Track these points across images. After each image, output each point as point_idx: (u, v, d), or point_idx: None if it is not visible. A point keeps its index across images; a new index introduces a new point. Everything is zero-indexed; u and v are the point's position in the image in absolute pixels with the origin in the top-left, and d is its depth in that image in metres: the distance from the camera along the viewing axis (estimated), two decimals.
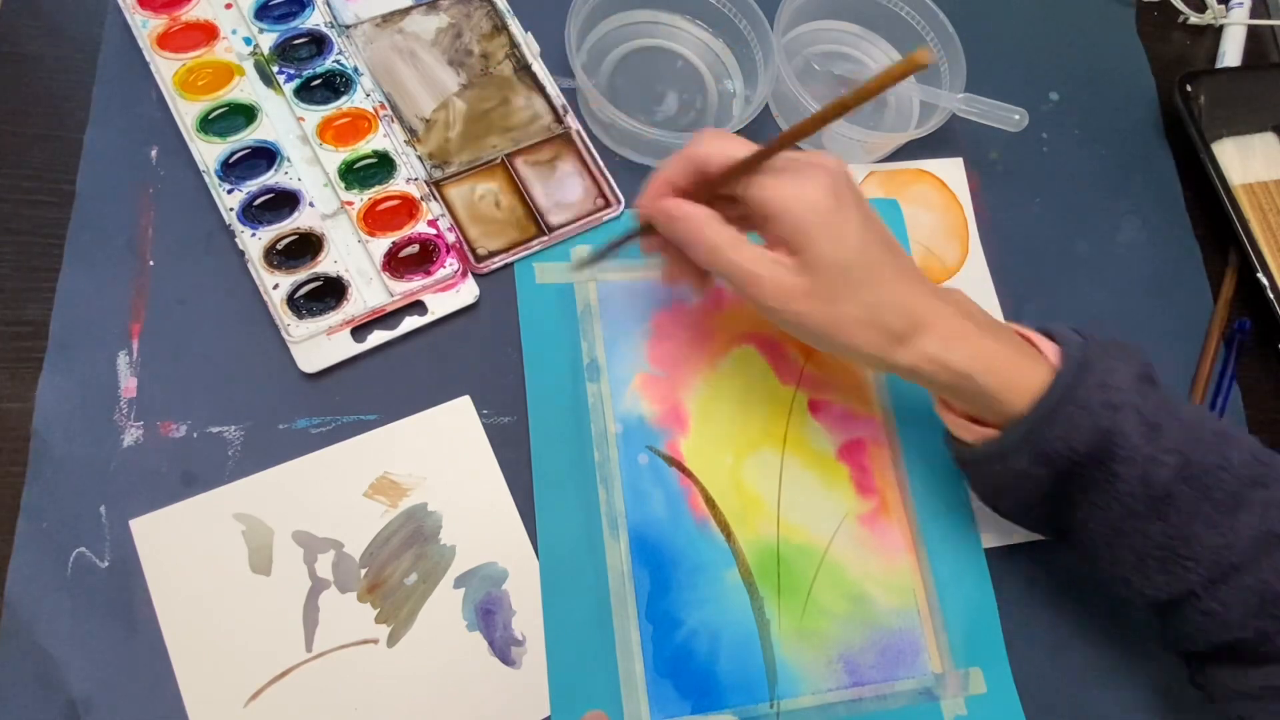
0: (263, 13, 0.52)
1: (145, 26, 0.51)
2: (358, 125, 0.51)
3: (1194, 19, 0.69)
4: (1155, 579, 0.40)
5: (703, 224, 0.39)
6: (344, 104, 0.51)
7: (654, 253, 0.44)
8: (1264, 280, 0.57)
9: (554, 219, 0.52)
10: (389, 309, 0.48)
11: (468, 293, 0.49)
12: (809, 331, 0.39)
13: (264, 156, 0.50)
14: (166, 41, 0.51)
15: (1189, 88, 0.62)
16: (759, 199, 0.39)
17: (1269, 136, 0.65)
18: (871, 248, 0.38)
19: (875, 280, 0.38)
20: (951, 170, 0.60)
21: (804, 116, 0.55)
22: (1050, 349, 0.41)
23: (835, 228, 0.38)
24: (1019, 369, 0.39)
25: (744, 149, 0.39)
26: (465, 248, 0.50)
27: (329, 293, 0.48)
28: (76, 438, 0.44)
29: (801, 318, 0.39)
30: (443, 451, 0.47)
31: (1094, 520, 0.41)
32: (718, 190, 0.40)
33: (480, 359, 0.49)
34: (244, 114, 0.50)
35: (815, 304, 0.38)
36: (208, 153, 0.49)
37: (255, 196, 0.49)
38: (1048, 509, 0.43)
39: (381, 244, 0.49)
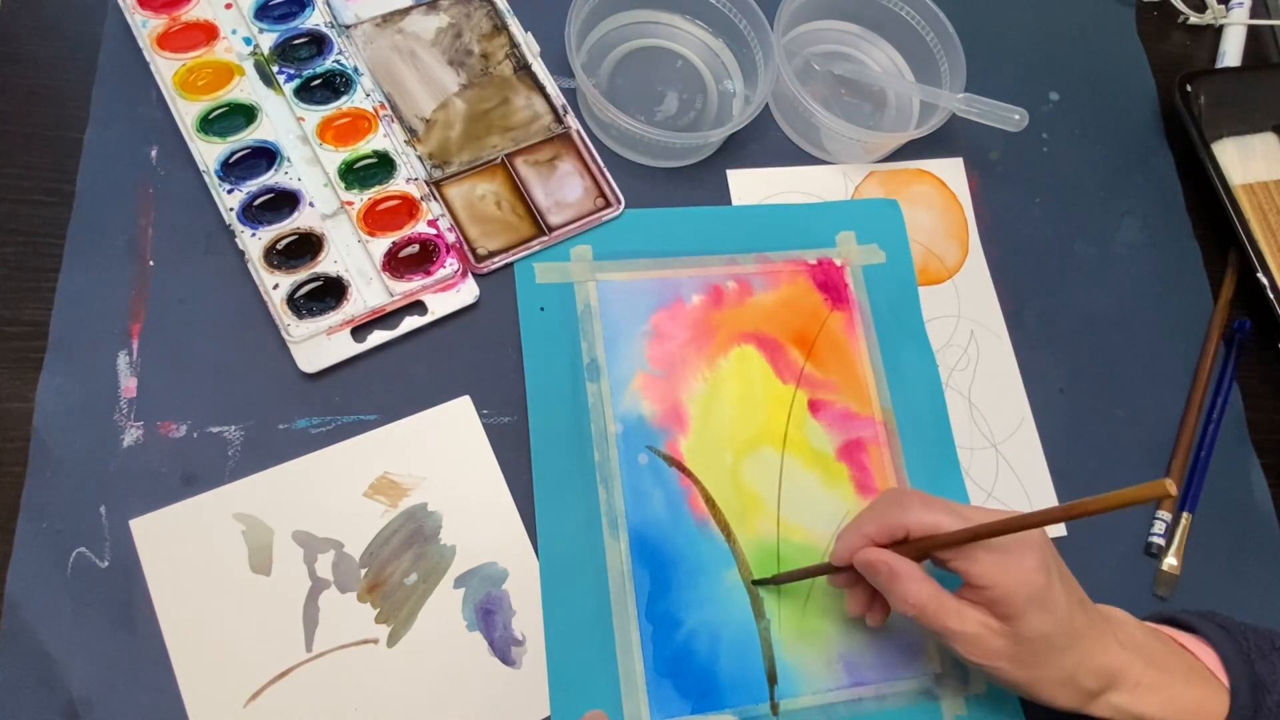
0: (263, 13, 0.52)
1: (145, 26, 0.51)
2: (358, 125, 0.51)
3: (1194, 19, 0.69)
4: None
5: (909, 580, 0.40)
6: (344, 104, 0.51)
7: (843, 588, 0.45)
8: (1264, 280, 0.57)
9: (554, 219, 0.52)
10: (389, 309, 0.48)
11: (468, 293, 0.49)
12: (1005, 684, 0.41)
13: (264, 156, 0.50)
14: (166, 41, 0.51)
15: (1189, 88, 0.62)
16: (968, 572, 0.39)
17: (1269, 136, 0.65)
18: (1075, 616, 0.39)
19: (1075, 647, 0.40)
20: (951, 170, 0.60)
21: (802, 115, 0.55)
22: (1213, 660, 0.42)
23: (1045, 603, 0.39)
24: (1201, 707, 0.40)
25: (948, 518, 0.40)
26: (465, 248, 0.50)
27: (329, 293, 0.48)
28: (76, 438, 0.44)
29: (1002, 673, 0.40)
30: (443, 451, 0.47)
31: None
32: (915, 553, 0.41)
33: (480, 359, 0.49)
34: (244, 114, 0.50)
35: (1018, 666, 0.40)
36: (208, 153, 0.49)
37: (255, 196, 0.49)
38: None
39: (381, 244, 0.49)
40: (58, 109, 0.49)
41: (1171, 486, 0.31)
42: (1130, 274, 0.60)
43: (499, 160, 0.53)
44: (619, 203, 0.53)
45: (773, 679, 0.46)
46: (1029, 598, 0.38)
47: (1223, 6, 0.69)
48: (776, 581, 0.46)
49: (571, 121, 0.54)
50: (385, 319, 0.48)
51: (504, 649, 0.44)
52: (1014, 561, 0.38)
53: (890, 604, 0.41)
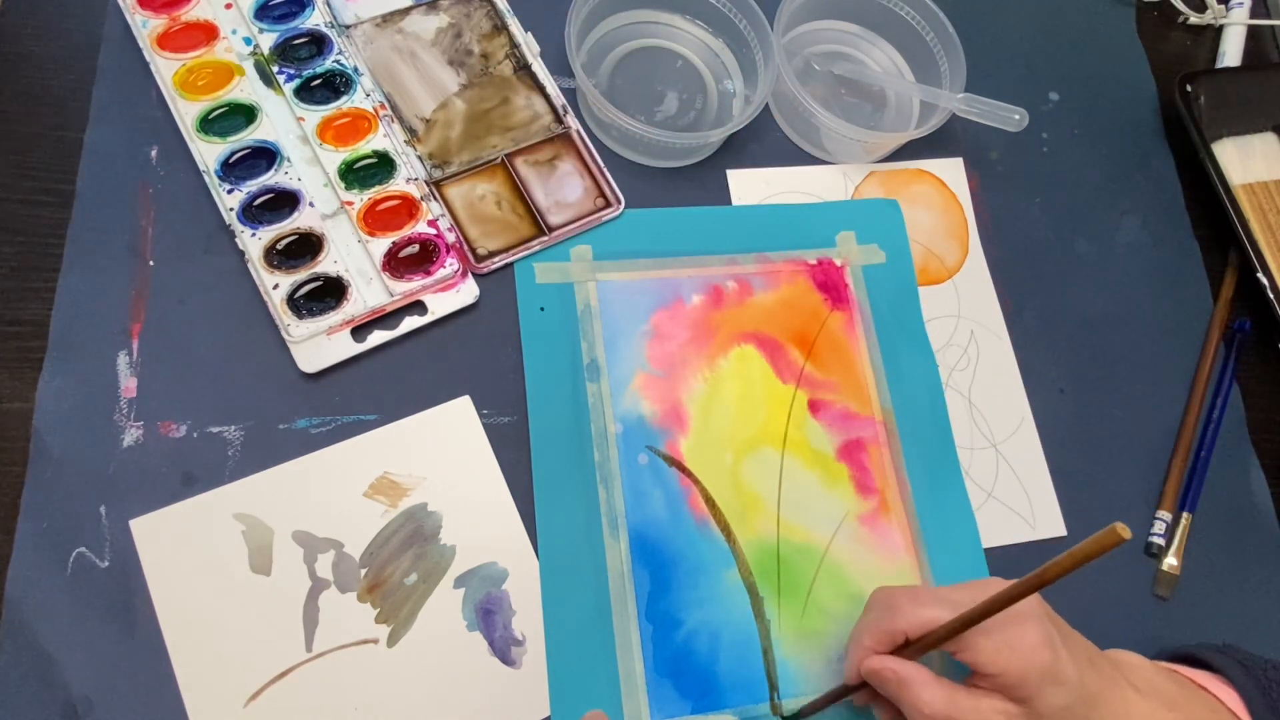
0: (263, 13, 0.52)
1: (145, 26, 0.51)
2: (358, 125, 0.51)
3: (1194, 19, 0.69)
4: None
5: (920, 688, 0.39)
6: (344, 104, 0.51)
7: (865, 704, 0.44)
8: (1264, 280, 0.57)
9: (554, 219, 0.52)
10: (389, 309, 0.48)
11: (468, 293, 0.49)
12: None
13: (264, 156, 0.50)
14: (166, 41, 0.51)
15: (1189, 88, 0.62)
16: (975, 662, 0.39)
17: (1269, 136, 0.65)
18: (1087, 679, 0.39)
19: (1094, 710, 0.39)
20: (951, 170, 0.60)
21: (802, 115, 0.55)
22: (1232, 699, 0.41)
23: (1056, 677, 0.38)
24: None
25: (940, 611, 0.39)
26: (465, 248, 0.50)
27: (329, 293, 0.48)
28: (76, 438, 0.44)
29: None
30: (443, 451, 0.47)
31: None
32: (920, 651, 0.40)
33: (480, 359, 0.49)
34: (244, 114, 0.50)
35: None
36: (208, 153, 0.49)
37: (255, 196, 0.49)
38: None
39: (381, 244, 0.49)
40: (58, 109, 0.49)
41: (1124, 531, 0.31)
42: (1130, 274, 0.60)
43: (499, 160, 0.53)
44: (619, 203, 0.53)
45: (773, 679, 0.46)
46: (1040, 676, 0.38)
47: (1223, 6, 0.69)
48: (803, 715, 0.45)
49: (571, 121, 0.54)
50: (385, 319, 0.48)
51: (504, 649, 0.44)
52: (1016, 642, 0.38)
53: (907, 715, 0.40)
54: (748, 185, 0.56)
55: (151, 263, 0.47)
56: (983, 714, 0.39)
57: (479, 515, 0.46)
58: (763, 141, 0.58)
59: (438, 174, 0.52)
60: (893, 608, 0.41)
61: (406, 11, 0.55)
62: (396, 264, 0.49)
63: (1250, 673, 0.42)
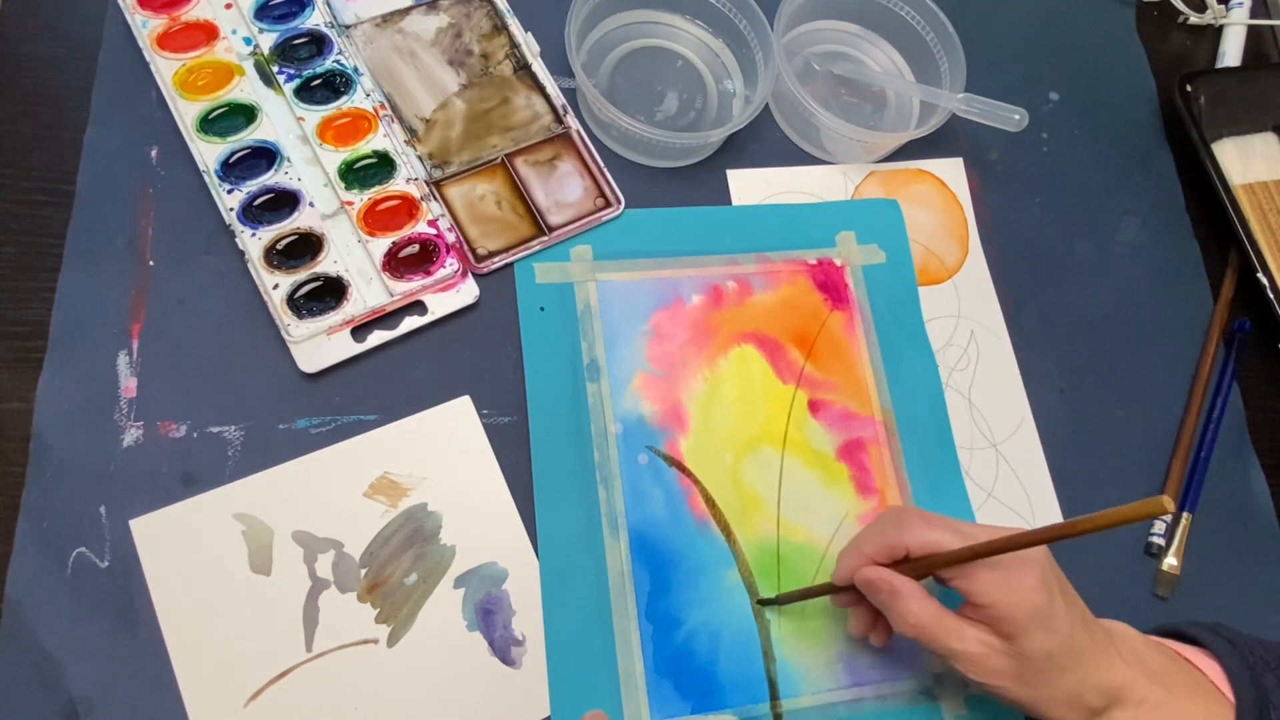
0: (263, 13, 0.52)
1: (145, 26, 0.51)
2: (358, 125, 0.51)
3: (1194, 19, 0.69)
4: None
5: (910, 600, 0.40)
6: (344, 104, 0.51)
7: (846, 607, 0.45)
8: (1264, 280, 0.57)
9: (554, 219, 0.52)
10: (389, 309, 0.48)
11: (468, 293, 0.49)
12: (1009, 703, 0.40)
13: (264, 156, 0.50)
14: (166, 41, 0.51)
15: (1189, 88, 0.62)
16: (969, 590, 0.39)
17: (1269, 136, 0.65)
18: (1077, 633, 0.39)
19: (1078, 665, 0.39)
20: (951, 170, 0.60)
21: (802, 115, 0.55)
22: (1217, 674, 0.41)
23: (1047, 621, 0.38)
24: (1206, 712, 0.40)
25: (948, 536, 0.39)
26: (465, 248, 0.50)
27: (329, 293, 0.48)
28: (76, 438, 0.44)
29: (1005, 692, 0.39)
30: (443, 451, 0.47)
31: None
32: (917, 572, 0.41)
33: (480, 359, 0.49)
34: (244, 114, 0.50)
35: (1021, 685, 0.39)
36: (208, 153, 0.49)
37: (255, 196, 0.49)
38: None
39: (381, 244, 0.49)
40: (58, 109, 0.49)
41: (1169, 504, 0.31)
42: (1130, 274, 0.60)
43: (499, 160, 0.53)
44: (619, 203, 0.53)
45: (773, 679, 0.46)
46: (1030, 616, 0.38)
47: (1223, 6, 0.69)
48: (780, 602, 0.46)
49: (571, 121, 0.54)
50: (385, 319, 0.48)
51: (504, 649, 0.44)
52: (1015, 580, 0.38)
53: (891, 624, 0.41)
54: (748, 185, 0.56)
55: (151, 263, 0.47)
56: (966, 638, 0.39)
57: (479, 515, 0.46)
58: (763, 141, 0.58)
59: (438, 174, 0.52)
60: (902, 523, 0.41)
61: (406, 11, 0.55)
62: (396, 264, 0.49)
63: (1236, 649, 0.42)
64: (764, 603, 0.47)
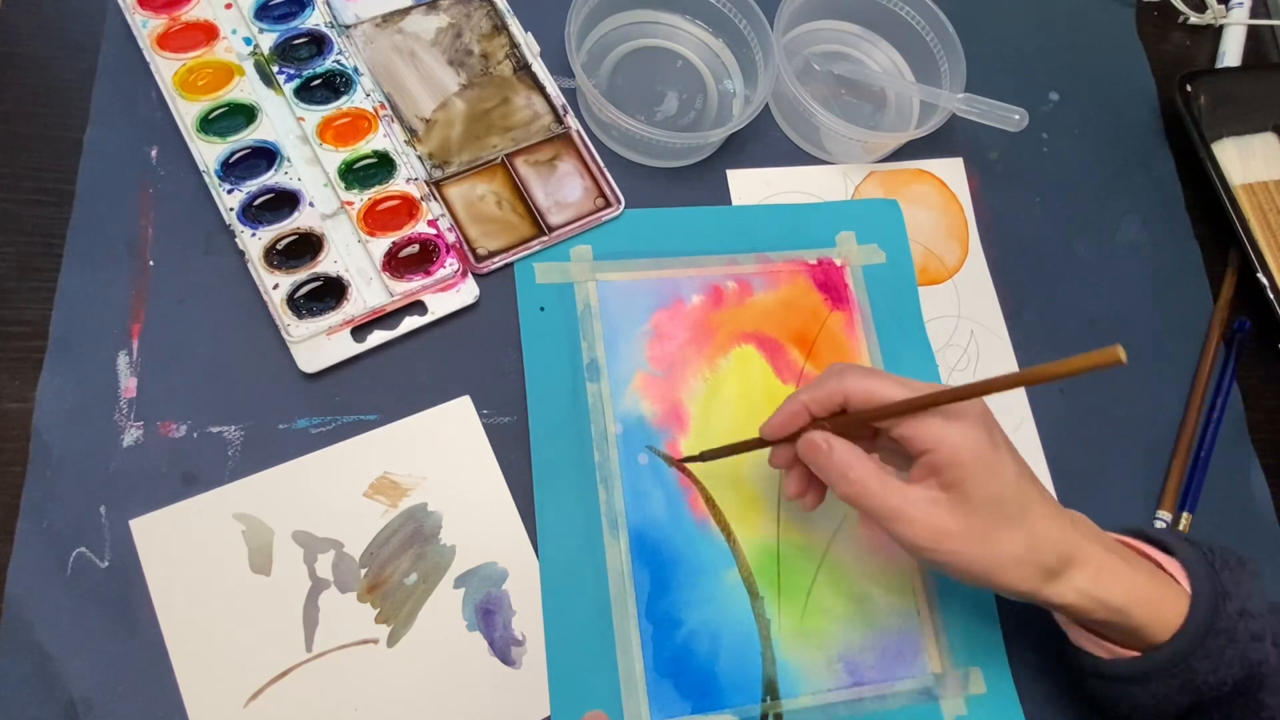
0: (263, 13, 0.52)
1: (145, 26, 0.51)
2: (358, 125, 0.51)
3: (1194, 19, 0.69)
4: None
5: (849, 462, 0.39)
6: (344, 104, 0.51)
7: (782, 468, 0.44)
8: (1264, 280, 0.57)
9: (554, 219, 0.52)
10: (389, 309, 0.48)
11: (468, 293, 0.49)
12: (961, 571, 0.38)
13: (264, 156, 0.50)
14: (166, 41, 0.51)
15: (1189, 88, 0.62)
16: (909, 437, 0.38)
17: (1269, 136, 0.65)
18: (1024, 484, 0.38)
19: (1029, 517, 0.38)
20: (951, 170, 0.60)
21: (802, 115, 0.55)
22: (1175, 568, 0.41)
23: (992, 465, 0.37)
24: (1163, 600, 0.39)
25: (891, 388, 0.38)
26: (465, 248, 0.50)
27: (329, 293, 0.48)
28: (76, 438, 0.44)
29: (955, 557, 0.38)
30: (443, 451, 0.47)
31: None
32: (856, 425, 0.40)
33: (480, 359, 0.49)
34: (244, 114, 0.50)
35: (970, 544, 0.37)
36: (208, 153, 0.49)
37: (255, 196, 0.49)
38: None
39: (381, 244, 0.49)
40: (58, 109, 0.49)
41: (1122, 353, 0.30)
42: (1130, 274, 0.60)
43: (499, 160, 0.53)
44: (619, 203, 0.53)
45: (773, 679, 0.46)
46: (975, 458, 0.37)
47: (1223, 6, 0.69)
48: (703, 459, 0.45)
49: (571, 121, 0.54)
50: (385, 319, 0.48)
51: (504, 649, 0.44)
52: (958, 425, 0.37)
53: (830, 485, 0.40)
54: (748, 185, 0.56)
55: (151, 263, 0.47)
56: (909, 497, 0.38)
57: (479, 515, 0.46)
58: (763, 141, 0.58)
59: (438, 174, 0.52)
60: (842, 374, 0.40)
61: (406, 11, 0.55)
62: (396, 264, 0.49)
63: (1195, 546, 0.42)
64: (688, 460, 0.45)
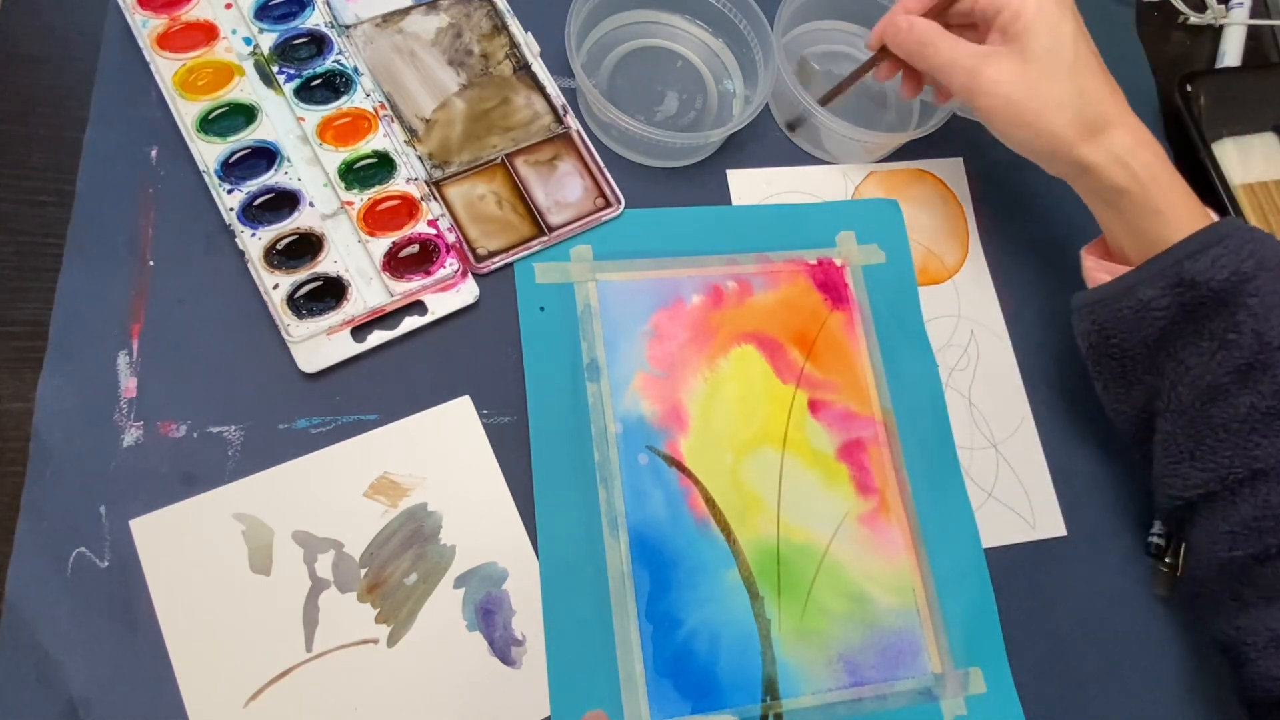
0: (263, 13, 0.52)
1: (145, 26, 0.51)
2: (358, 125, 0.51)
3: (1194, 19, 0.69)
4: (1219, 459, 0.41)
5: (926, 34, 0.46)
6: (344, 104, 0.51)
7: (888, 80, 0.53)
8: None
9: (554, 219, 0.52)
10: (389, 309, 0.48)
11: (468, 293, 0.49)
12: (1012, 116, 0.44)
13: (264, 156, 0.50)
14: (166, 41, 0.51)
15: (1189, 88, 0.62)
16: (987, 4, 0.44)
17: (1269, 136, 0.65)
18: (1082, 45, 0.43)
19: (1082, 71, 0.43)
20: (951, 170, 0.60)
21: (801, 114, 0.55)
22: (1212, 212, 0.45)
23: (1055, 23, 0.43)
24: (1186, 197, 0.43)
25: None
26: (465, 248, 0.50)
27: (329, 293, 0.48)
28: (76, 438, 0.44)
29: (1009, 100, 0.43)
30: (443, 451, 0.47)
31: (1184, 384, 0.43)
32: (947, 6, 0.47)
33: (480, 359, 0.49)
34: (244, 114, 0.50)
35: (1023, 87, 0.43)
36: (208, 153, 0.49)
37: (255, 196, 0.49)
38: (1146, 365, 0.44)
39: (381, 244, 0.49)
40: (58, 109, 0.49)
41: None
42: None
43: (499, 160, 0.53)
44: (619, 203, 0.53)
45: (773, 679, 0.46)
46: (1039, 12, 0.42)
47: (1223, 6, 0.69)
48: (827, 100, 0.54)
49: (571, 121, 0.54)
50: (385, 319, 0.48)
51: (504, 649, 0.44)
52: None
53: (915, 62, 0.47)
54: (748, 185, 0.56)
55: (151, 263, 0.47)
56: (974, 50, 0.45)
57: (479, 515, 0.46)
58: (763, 141, 0.58)
59: (438, 174, 0.52)
60: None
61: (406, 11, 0.55)
62: (396, 264, 0.49)
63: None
64: (822, 100, 0.53)
